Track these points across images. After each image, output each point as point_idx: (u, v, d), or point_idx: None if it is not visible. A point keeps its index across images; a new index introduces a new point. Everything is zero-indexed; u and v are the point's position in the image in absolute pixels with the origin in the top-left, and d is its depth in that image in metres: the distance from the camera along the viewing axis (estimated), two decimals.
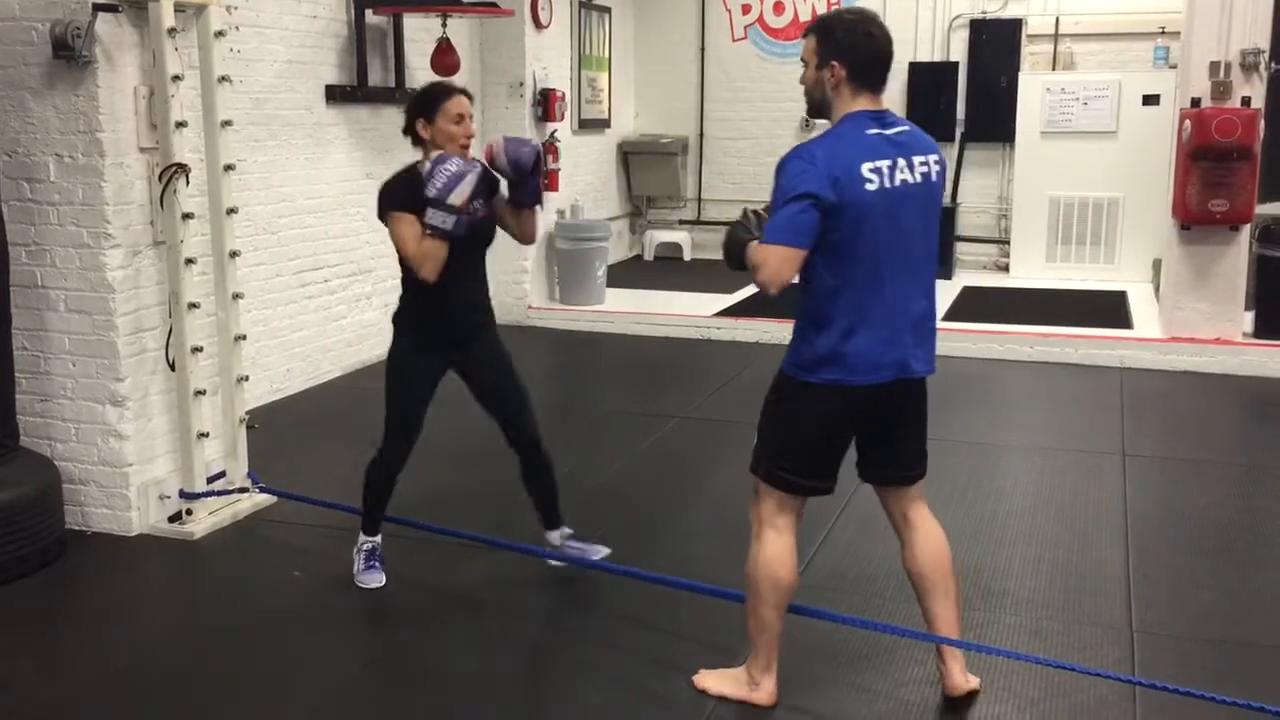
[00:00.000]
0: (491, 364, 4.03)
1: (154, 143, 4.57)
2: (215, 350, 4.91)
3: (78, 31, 4.30)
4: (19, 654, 3.75)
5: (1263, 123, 7.26)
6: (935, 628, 3.34)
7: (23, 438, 4.54)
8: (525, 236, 4.04)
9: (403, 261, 3.83)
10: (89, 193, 4.47)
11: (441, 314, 3.89)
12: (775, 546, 3.25)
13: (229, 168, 4.83)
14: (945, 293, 9.50)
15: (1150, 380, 7.26)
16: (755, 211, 3.21)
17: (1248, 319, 7.61)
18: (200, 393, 4.71)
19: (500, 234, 4.00)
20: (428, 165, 3.68)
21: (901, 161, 3.01)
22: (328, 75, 6.97)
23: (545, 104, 8.81)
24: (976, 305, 8.85)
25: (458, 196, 3.61)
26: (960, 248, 10.49)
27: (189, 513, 4.71)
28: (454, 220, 3.64)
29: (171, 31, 4.47)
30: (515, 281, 8.91)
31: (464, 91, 3.86)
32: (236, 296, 4.91)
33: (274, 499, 4.95)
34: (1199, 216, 7.35)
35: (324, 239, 6.99)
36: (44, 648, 3.79)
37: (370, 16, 7.24)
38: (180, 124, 4.54)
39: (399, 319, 3.98)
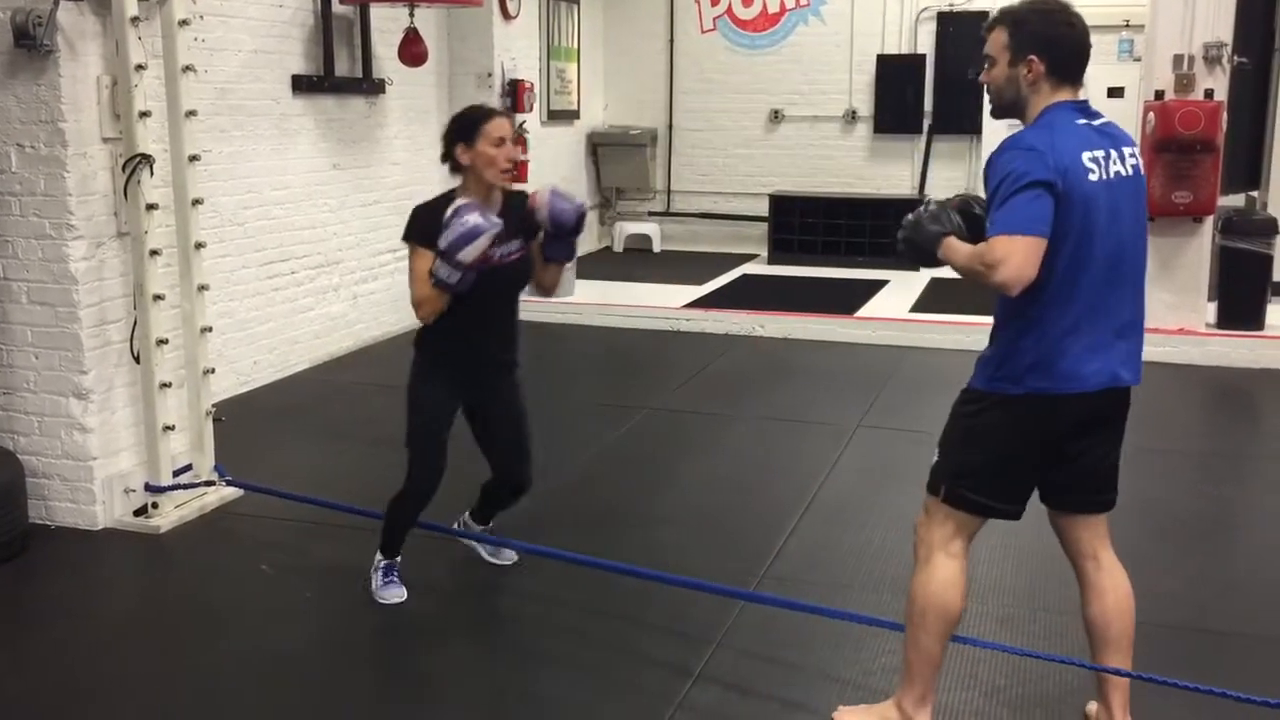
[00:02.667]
0: (505, 409, 3.90)
1: (117, 133, 4.52)
2: (181, 342, 4.87)
3: (39, 20, 4.24)
4: None
5: (1225, 115, 7.34)
6: (1106, 685, 3.09)
7: None
8: (546, 288, 3.84)
9: None
10: (51, 183, 4.41)
11: (464, 351, 3.75)
12: (947, 572, 2.97)
13: (194, 158, 4.79)
14: (913, 285, 9.56)
15: None
16: (944, 204, 2.95)
17: (1210, 309, 7.70)
18: (165, 385, 4.67)
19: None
20: (449, 211, 3.49)
21: (1114, 153, 2.82)
22: (294, 65, 6.91)
23: (514, 95, 8.80)
24: (945, 297, 8.90)
25: (467, 255, 3.43)
26: None
27: (155, 506, 4.67)
28: (459, 276, 3.47)
29: (135, 20, 4.42)
30: None
31: (504, 113, 3.70)
32: (202, 288, 4.87)
33: (241, 492, 4.91)
34: (1163, 208, 7.42)
35: (291, 230, 6.95)
36: (6, 642, 3.75)
37: (337, 6, 7.20)
38: (144, 114, 4.50)
39: (421, 342, 3.81)
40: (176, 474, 4.78)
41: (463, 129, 3.64)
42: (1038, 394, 2.81)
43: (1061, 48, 2.82)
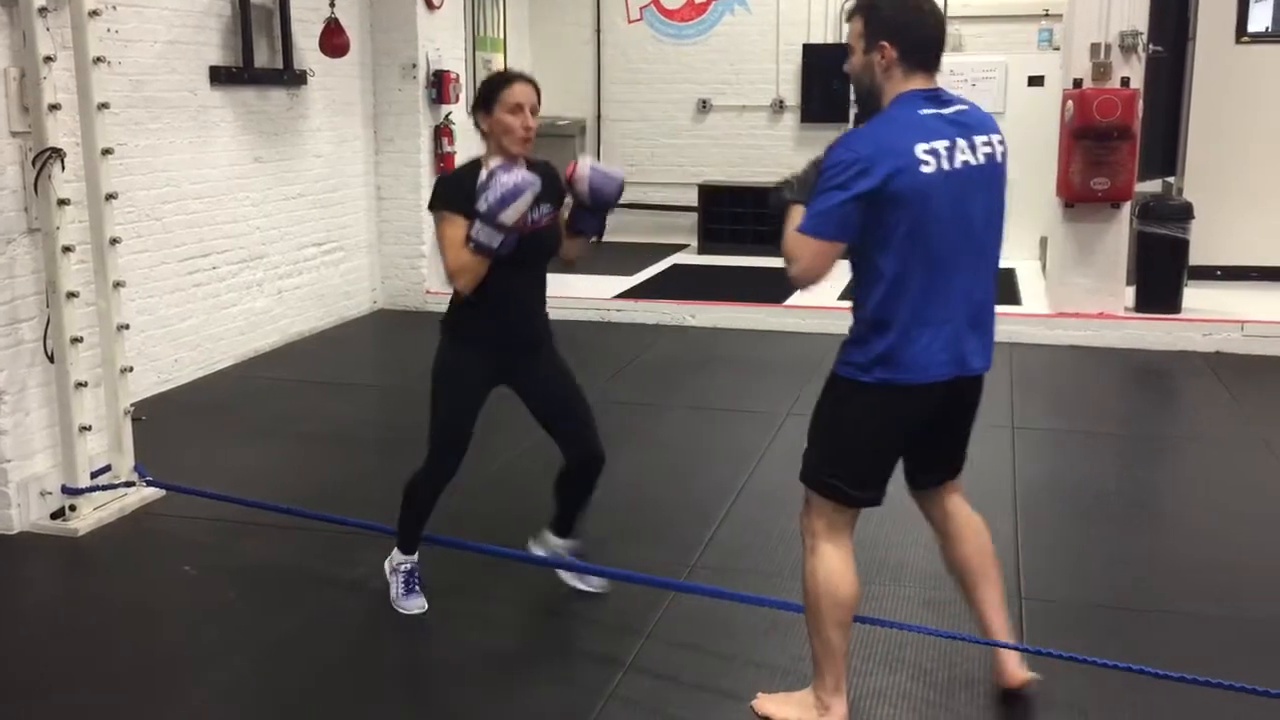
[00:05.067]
0: (553, 380, 3.74)
1: (26, 126, 4.40)
2: (97, 340, 4.75)
3: None
4: None
5: (1141, 103, 7.49)
6: (987, 617, 3.21)
7: None
8: (570, 260, 3.74)
9: None
10: None
11: (497, 326, 3.57)
12: (833, 560, 3.00)
13: (107, 152, 4.67)
14: (841, 274, 9.60)
15: (1037, 354, 7.45)
16: (795, 177, 2.97)
17: (1129, 294, 7.86)
18: (81, 384, 4.56)
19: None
20: (484, 174, 3.37)
21: (962, 142, 2.82)
22: (211, 56, 6.77)
23: (439, 86, 8.69)
24: None
25: (509, 216, 3.28)
26: None
27: (72, 509, 4.56)
28: (500, 239, 3.32)
29: (42, 11, 4.31)
30: (413, 266, 8.81)
31: (526, 79, 3.51)
32: (118, 285, 4.76)
33: (163, 492, 4.81)
34: (1082, 194, 7.57)
35: (212, 225, 6.81)
36: None
37: None
38: (54, 107, 4.38)
39: (449, 326, 3.63)
40: (95, 475, 4.67)
41: (482, 96, 3.53)
42: (885, 384, 2.85)
43: (911, 33, 2.84)
